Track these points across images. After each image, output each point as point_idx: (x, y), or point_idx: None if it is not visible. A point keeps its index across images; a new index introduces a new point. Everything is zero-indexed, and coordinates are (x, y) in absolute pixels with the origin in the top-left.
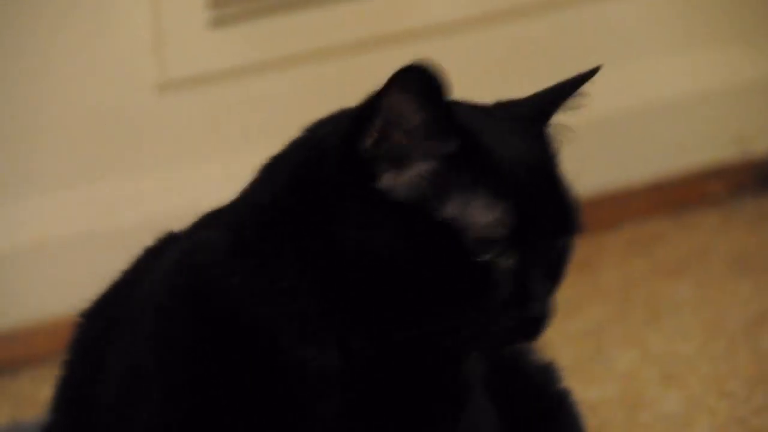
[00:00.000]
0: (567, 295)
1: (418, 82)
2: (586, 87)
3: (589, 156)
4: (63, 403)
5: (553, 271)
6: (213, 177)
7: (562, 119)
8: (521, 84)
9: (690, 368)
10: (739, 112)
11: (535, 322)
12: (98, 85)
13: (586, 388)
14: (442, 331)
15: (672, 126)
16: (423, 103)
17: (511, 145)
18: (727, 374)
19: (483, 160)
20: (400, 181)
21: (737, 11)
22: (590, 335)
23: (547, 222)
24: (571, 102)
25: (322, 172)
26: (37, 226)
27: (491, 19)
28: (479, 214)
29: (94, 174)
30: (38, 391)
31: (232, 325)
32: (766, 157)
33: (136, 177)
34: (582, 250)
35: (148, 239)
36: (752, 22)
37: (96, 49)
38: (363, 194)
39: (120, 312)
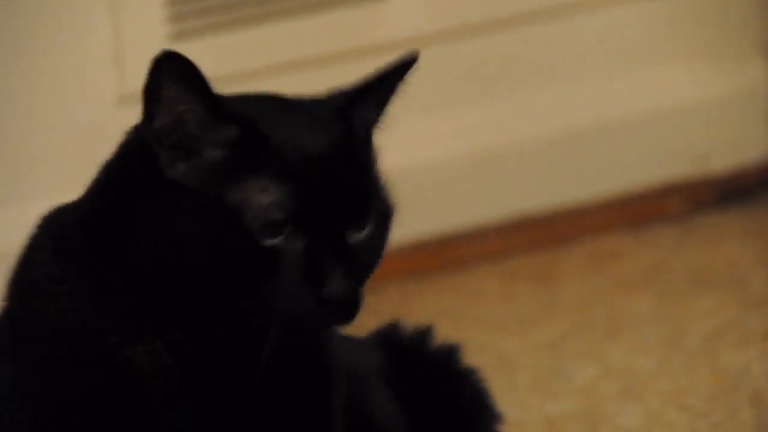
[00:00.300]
0: (526, 308)
1: (185, 73)
2: (407, 76)
3: (549, 170)
4: None
5: (351, 261)
6: None
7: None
8: (468, 100)
9: (649, 383)
10: (698, 129)
11: (336, 306)
12: (59, 98)
13: (546, 402)
14: (244, 312)
15: (631, 142)
16: (195, 91)
17: (296, 134)
18: (687, 389)
19: (261, 147)
20: (191, 169)
21: (696, 28)
22: (549, 349)
23: (331, 209)
24: (386, 94)
25: (127, 170)
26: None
27: (458, 32)
28: (258, 197)
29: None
30: None
31: (65, 332)
32: (724, 174)
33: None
34: (541, 264)
35: None
36: (711, 39)
37: (56, 63)
38: (161, 185)
39: None
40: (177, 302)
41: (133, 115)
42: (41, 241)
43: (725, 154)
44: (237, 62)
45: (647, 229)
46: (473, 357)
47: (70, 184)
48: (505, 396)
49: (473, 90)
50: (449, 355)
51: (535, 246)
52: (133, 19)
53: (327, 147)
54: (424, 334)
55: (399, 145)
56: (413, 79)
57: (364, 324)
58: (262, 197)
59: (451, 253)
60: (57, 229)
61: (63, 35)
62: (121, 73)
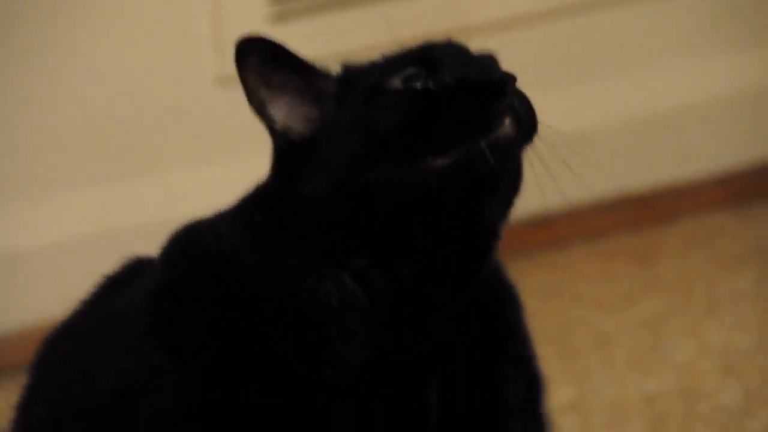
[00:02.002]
0: (624, 287)
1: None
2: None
3: (647, 150)
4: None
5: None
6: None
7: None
8: (567, 80)
9: (749, 360)
10: None
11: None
12: (158, 79)
13: (645, 379)
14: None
15: (729, 120)
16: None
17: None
18: None
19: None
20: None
21: None
22: (649, 327)
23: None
24: None
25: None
26: (105, 213)
27: (557, 12)
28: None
29: (156, 166)
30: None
31: (249, 295)
32: None
33: (193, 168)
34: (641, 242)
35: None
36: None
37: (155, 44)
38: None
39: (84, 338)
40: (365, 227)
41: (231, 96)
42: (201, 237)
43: None
44: (337, 43)
45: (747, 207)
46: (572, 334)
47: (171, 164)
48: (604, 373)
49: (572, 70)
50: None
51: (634, 224)
52: (234, 2)
53: None
54: None
55: None
56: (514, 59)
57: None
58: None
59: (551, 232)
60: (212, 223)
61: (162, 16)
62: (221, 55)
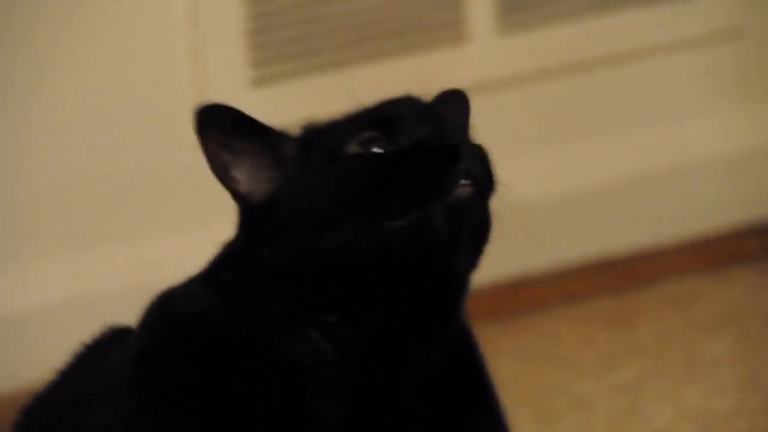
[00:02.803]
0: (603, 350)
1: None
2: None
3: (627, 213)
4: None
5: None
6: None
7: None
8: (548, 143)
9: (727, 425)
10: None
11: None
12: (136, 140)
13: None
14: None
15: (708, 184)
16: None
17: None
18: (765, 431)
19: None
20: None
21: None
22: (627, 390)
23: None
24: None
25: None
26: (78, 280)
27: (537, 75)
28: None
29: (135, 230)
30: None
31: (223, 355)
32: None
33: (176, 232)
34: (619, 306)
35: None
36: None
37: (136, 105)
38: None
39: (65, 405)
40: (335, 284)
41: None
42: (176, 301)
43: None
44: (319, 106)
45: (725, 271)
46: (550, 397)
47: (152, 228)
48: None
49: (551, 132)
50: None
51: (612, 288)
52: (215, 65)
53: None
54: None
55: None
56: (491, 122)
57: None
58: None
59: (529, 295)
60: (184, 288)
61: (143, 75)
62: None
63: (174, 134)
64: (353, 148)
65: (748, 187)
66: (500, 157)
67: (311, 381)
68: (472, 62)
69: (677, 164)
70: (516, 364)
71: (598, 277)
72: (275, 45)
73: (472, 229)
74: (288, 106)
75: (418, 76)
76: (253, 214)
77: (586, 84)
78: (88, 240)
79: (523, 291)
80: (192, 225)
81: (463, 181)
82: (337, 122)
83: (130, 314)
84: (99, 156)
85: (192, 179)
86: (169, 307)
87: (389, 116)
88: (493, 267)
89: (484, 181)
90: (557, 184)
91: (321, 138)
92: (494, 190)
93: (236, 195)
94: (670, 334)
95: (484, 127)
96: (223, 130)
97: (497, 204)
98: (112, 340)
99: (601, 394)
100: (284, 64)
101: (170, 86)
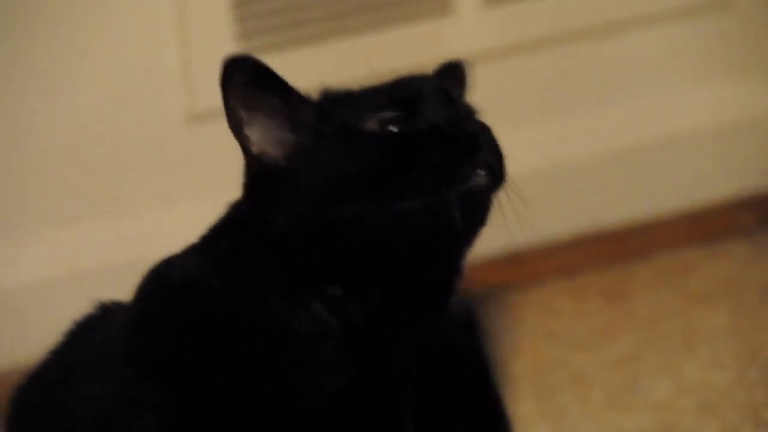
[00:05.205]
0: (599, 324)
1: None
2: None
3: (621, 186)
4: None
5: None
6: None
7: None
8: (539, 115)
9: (726, 397)
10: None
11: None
12: (125, 116)
13: (621, 417)
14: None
15: (700, 156)
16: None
17: None
18: (764, 403)
19: None
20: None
21: (762, 42)
22: (624, 365)
23: None
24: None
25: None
26: (48, 260)
27: (525, 47)
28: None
29: (126, 207)
30: None
31: (221, 323)
32: None
33: (165, 208)
34: (613, 279)
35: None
36: None
37: (123, 82)
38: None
39: (59, 380)
40: (337, 255)
41: (201, 133)
42: (171, 270)
43: None
44: (305, 78)
45: (719, 243)
46: (547, 372)
47: (142, 204)
48: (580, 411)
49: (541, 105)
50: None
51: (606, 261)
52: (201, 35)
53: None
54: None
55: None
56: (477, 94)
57: None
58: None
59: (524, 268)
60: (182, 257)
61: (130, 52)
62: (190, 91)
63: (161, 110)
64: (371, 124)
65: (741, 160)
66: None
67: (311, 351)
68: (457, 34)
69: (669, 136)
70: (512, 338)
71: (592, 250)
72: (260, 17)
73: (480, 216)
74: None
75: (403, 49)
76: (264, 176)
77: (574, 55)
78: (77, 217)
79: (517, 264)
80: (183, 198)
81: (479, 171)
82: (355, 95)
83: (121, 290)
84: (87, 134)
85: (180, 154)
86: (165, 277)
87: (408, 96)
88: (486, 241)
89: (498, 173)
90: (548, 156)
91: (339, 109)
92: (506, 182)
93: (248, 153)
94: (666, 307)
95: (471, 99)
96: (245, 84)
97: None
98: (103, 315)
99: (598, 369)
100: (269, 36)
101: (156, 62)
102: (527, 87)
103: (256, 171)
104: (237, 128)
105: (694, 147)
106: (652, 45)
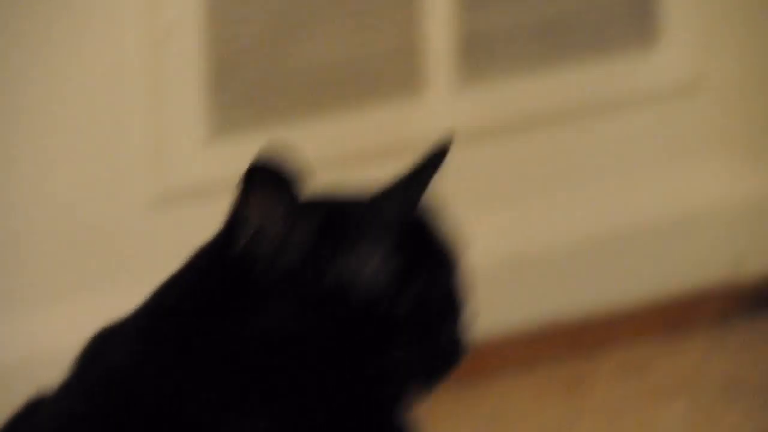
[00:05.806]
0: (556, 418)
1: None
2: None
3: (579, 277)
4: None
5: None
6: None
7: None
8: (507, 199)
9: None
10: (731, 233)
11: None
12: (92, 197)
13: None
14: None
15: (660, 247)
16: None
17: None
18: None
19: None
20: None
21: (730, 128)
22: None
23: None
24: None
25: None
26: (25, 341)
27: (490, 132)
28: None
29: (87, 287)
30: None
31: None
32: (756, 280)
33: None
34: (571, 371)
35: None
36: (746, 139)
37: (95, 165)
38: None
39: None
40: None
41: (167, 217)
42: (110, 347)
43: (760, 259)
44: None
45: (678, 337)
46: None
47: (103, 285)
48: None
49: (500, 193)
50: None
51: (564, 354)
52: (171, 114)
53: None
54: None
55: None
56: (440, 182)
57: None
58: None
59: (479, 361)
60: (125, 331)
61: (101, 135)
62: (158, 172)
63: (126, 190)
64: (366, 293)
65: (701, 251)
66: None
67: None
68: (430, 114)
69: (629, 226)
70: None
71: (549, 343)
72: (233, 95)
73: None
74: (245, 157)
75: (376, 127)
76: (238, 268)
77: (530, 143)
78: (35, 298)
79: (473, 358)
80: (144, 283)
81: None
82: (358, 234)
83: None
84: (52, 210)
85: (145, 237)
86: (100, 354)
87: (422, 287)
88: None
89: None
90: (504, 246)
91: (335, 247)
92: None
93: (232, 241)
94: (624, 402)
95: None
96: (263, 195)
97: None
98: (27, 414)
99: None
100: (242, 112)
101: (124, 140)
102: (486, 174)
103: (232, 262)
104: (233, 222)
105: (651, 238)
106: (621, 130)
